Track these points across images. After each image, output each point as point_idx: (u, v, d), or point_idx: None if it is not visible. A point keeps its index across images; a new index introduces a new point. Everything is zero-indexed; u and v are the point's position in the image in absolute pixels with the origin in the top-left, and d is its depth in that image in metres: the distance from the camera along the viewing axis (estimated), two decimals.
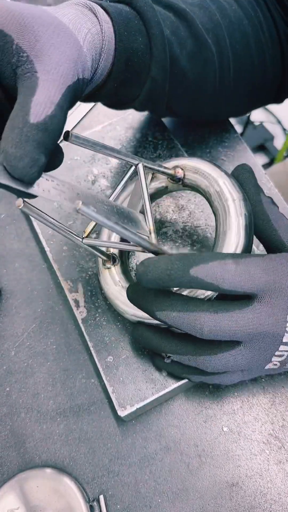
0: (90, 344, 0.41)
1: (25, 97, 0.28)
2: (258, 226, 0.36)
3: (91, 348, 0.41)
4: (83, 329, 0.42)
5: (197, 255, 0.31)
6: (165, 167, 0.40)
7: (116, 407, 0.38)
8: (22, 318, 0.46)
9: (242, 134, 1.56)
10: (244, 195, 0.36)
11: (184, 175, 0.40)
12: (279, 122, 1.65)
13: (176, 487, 0.38)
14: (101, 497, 0.38)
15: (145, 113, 0.53)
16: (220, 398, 0.41)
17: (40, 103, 0.28)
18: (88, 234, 0.38)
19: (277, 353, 0.33)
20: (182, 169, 0.40)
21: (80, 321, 0.42)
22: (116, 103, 0.42)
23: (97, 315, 0.42)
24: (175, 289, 0.35)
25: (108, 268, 0.40)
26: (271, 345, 0.32)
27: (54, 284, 0.47)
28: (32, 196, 0.30)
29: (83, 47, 0.31)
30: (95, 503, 0.37)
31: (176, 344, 0.35)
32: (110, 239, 0.41)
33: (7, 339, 0.45)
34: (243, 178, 0.37)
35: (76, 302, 0.43)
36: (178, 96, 0.43)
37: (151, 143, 0.51)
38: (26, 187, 0.28)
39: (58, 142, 0.30)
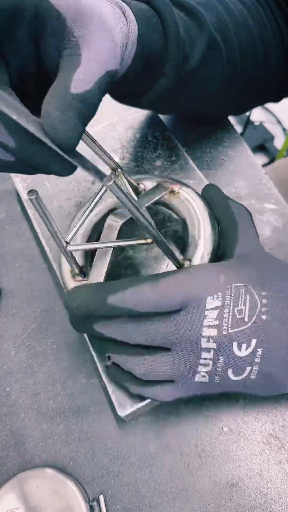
0: (90, 344, 0.41)
1: (68, 71, 0.29)
2: (224, 232, 0.39)
3: (91, 348, 0.41)
4: None
5: (116, 283, 0.33)
6: (133, 180, 0.41)
7: (116, 407, 0.38)
8: (22, 318, 0.46)
9: (242, 134, 1.56)
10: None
11: (145, 189, 0.43)
12: (279, 122, 1.65)
13: (176, 487, 0.38)
14: (101, 497, 0.38)
15: (145, 113, 0.53)
16: (220, 398, 0.41)
17: (82, 78, 0.29)
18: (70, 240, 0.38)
19: (201, 361, 0.34)
20: (143, 184, 0.43)
21: None
22: (125, 96, 0.43)
23: None
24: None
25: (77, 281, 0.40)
26: (192, 351, 0.34)
27: (54, 284, 0.47)
28: (56, 167, 0.30)
29: (117, 43, 0.33)
30: (95, 503, 0.37)
31: (116, 344, 0.36)
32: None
33: (7, 339, 0.45)
34: (210, 191, 0.41)
35: None
36: (186, 93, 0.44)
37: (151, 143, 0.51)
38: (65, 152, 0.28)
39: None
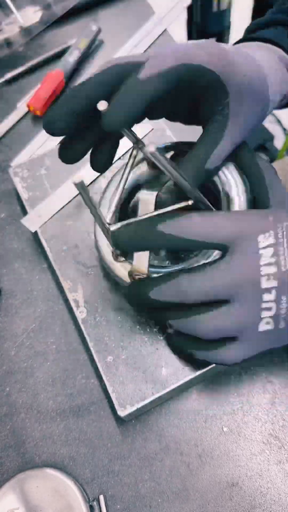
0: (90, 344, 0.41)
1: (210, 143, 0.35)
2: (253, 185, 0.38)
3: (91, 348, 0.41)
4: (83, 329, 0.42)
5: (166, 215, 0.33)
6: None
7: (116, 407, 0.38)
8: (22, 318, 0.46)
9: None
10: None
11: None
12: (279, 122, 1.65)
13: (176, 487, 0.38)
14: (101, 497, 0.38)
15: None
16: (220, 398, 0.41)
17: (216, 156, 0.35)
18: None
19: (263, 305, 0.32)
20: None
21: (80, 321, 0.42)
22: None
23: (97, 315, 0.42)
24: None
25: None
26: (253, 296, 0.32)
27: (54, 284, 0.47)
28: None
29: (269, 103, 0.36)
30: (95, 503, 0.37)
31: (174, 310, 0.35)
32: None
33: (7, 339, 0.45)
34: (239, 157, 0.40)
35: (76, 302, 0.43)
36: None
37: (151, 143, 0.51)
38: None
39: None
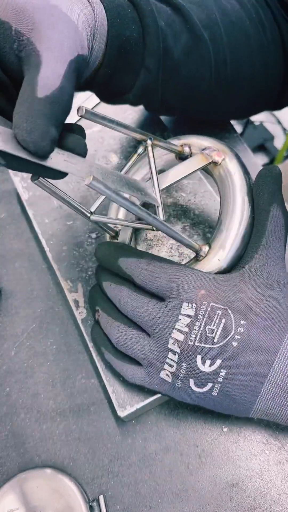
0: (90, 344, 0.41)
1: (31, 74, 0.29)
2: (252, 238, 0.37)
3: (91, 348, 0.41)
4: (83, 329, 0.42)
5: (130, 250, 0.37)
6: (173, 144, 0.40)
7: (116, 407, 0.38)
8: (22, 318, 0.46)
9: (242, 134, 1.56)
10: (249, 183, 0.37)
11: (191, 153, 0.41)
12: (279, 122, 1.65)
13: (176, 487, 0.38)
14: (101, 498, 0.38)
15: (145, 113, 0.53)
16: None
17: (46, 77, 0.28)
18: (95, 211, 0.38)
19: (167, 360, 0.34)
20: (189, 147, 0.40)
21: (80, 321, 0.42)
22: (110, 95, 0.42)
23: None
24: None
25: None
26: (162, 345, 0.34)
27: (54, 284, 0.47)
28: (47, 173, 0.30)
29: (78, 26, 0.32)
30: (95, 503, 0.37)
31: (108, 304, 0.39)
32: (118, 216, 0.42)
33: (7, 339, 0.45)
34: (262, 180, 0.37)
35: (76, 302, 0.43)
36: (172, 90, 0.43)
37: None
38: (40, 160, 0.29)
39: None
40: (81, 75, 0.33)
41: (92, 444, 0.40)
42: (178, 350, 0.34)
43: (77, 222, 0.47)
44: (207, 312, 0.33)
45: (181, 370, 0.34)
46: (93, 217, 0.36)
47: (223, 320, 0.33)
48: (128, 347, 0.36)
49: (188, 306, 0.34)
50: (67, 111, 0.30)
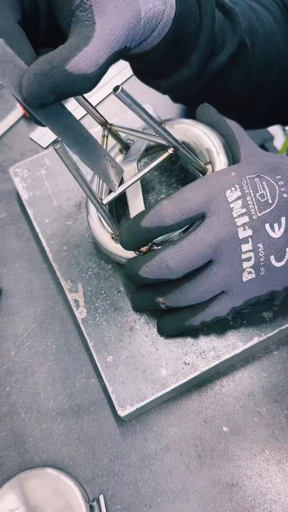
0: (90, 344, 0.41)
1: (76, 42, 0.28)
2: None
3: (91, 348, 0.41)
4: (83, 329, 0.42)
5: (142, 211, 0.36)
6: (198, 162, 0.40)
7: (116, 407, 0.38)
8: (22, 318, 0.46)
9: None
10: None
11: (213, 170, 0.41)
12: None
13: (176, 487, 0.38)
14: (101, 497, 0.38)
15: None
16: (220, 398, 0.41)
17: (83, 59, 0.28)
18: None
19: (243, 256, 0.35)
20: (212, 167, 0.41)
21: (80, 321, 0.42)
22: (145, 74, 0.42)
23: (97, 315, 0.42)
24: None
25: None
26: (233, 249, 0.35)
27: (54, 284, 0.47)
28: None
29: (141, 19, 0.32)
30: (95, 503, 0.37)
31: (164, 287, 0.37)
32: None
33: (7, 339, 0.45)
34: (204, 110, 0.42)
35: (76, 302, 0.43)
36: (205, 90, 0.44)
37: (151, 143, 0.51)
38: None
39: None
40: (116, 61, 0.33)
41: (92, 443, 0.40)
42: (250, 232, 0.35)
43: (77, 222, 0.47)
44: (249, 184, 0.35)
45: (259, 254, 0.35)
46: (106, 200, 0.38)
47: (264, 183, 0.35)
48: (210, 288, 0.36)
49: (231, 191, 0.35)
50: (82, 93, 0.29)
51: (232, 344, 0.40)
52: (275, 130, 1.62)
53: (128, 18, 0.30)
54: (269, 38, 0.47)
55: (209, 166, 0.40)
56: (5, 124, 0.59)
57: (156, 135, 0.37)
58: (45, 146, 0.56)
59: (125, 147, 0.45)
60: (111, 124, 0.42)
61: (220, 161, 0.40)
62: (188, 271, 0.35)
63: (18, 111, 0.60)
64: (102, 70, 0.29)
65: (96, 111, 0.40)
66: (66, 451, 0.40)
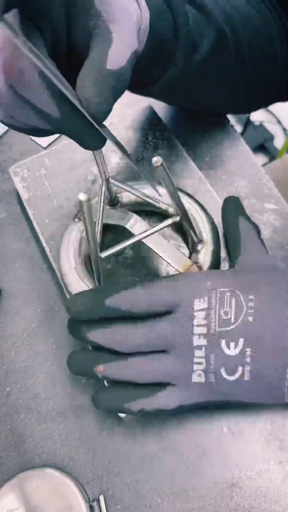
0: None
1: (102, 48, 0.30)
2: (228, 245, 0.43)
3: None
4: None
5: (112, 287, 0.36)
6: (194, 237, 0.43)
7: None
8: (22, 318, 0.46)
9: (242, 134, 1.56)
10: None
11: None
12: (279, 122, 1.65)
13: (176, 487, 0.38)
14: (101, 497, 0.38)
15: (145, 113, 0.53)
16: None
17: (115, 55, 0.30)
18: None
19: (195, 359, 0.35)
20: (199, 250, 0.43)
21: None
22: (137, 84, 0.43)
23: None
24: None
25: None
26: (186, 349, 0.35)
27: (54, 284, 0.47)
28: (89, 138, 0.32)
29: (135, 22, 0.33)
30: (95, 503, 0.37)
31: (109, 354, 0.37)
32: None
33: (7, 339, 0.45)
34: (226, 206, 0.45)
35: None
36: (196, 84, 0.45)
37: (151, 143, 0.51)
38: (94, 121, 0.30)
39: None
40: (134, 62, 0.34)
41: (92, 444, 0.40)
42: (205, 342, 0.35)
43: (77, 222, 0.47)
44: (218, 298, 0.35)
45: (210, 362, 0.35)
46: (104, 254, 0.39)
47: (233, 300, 0.35)
48: (154, 374, 0.36)
49: (199, 301, 0.35)
50: (123, 91, 0.32)
51: None
52: (275, 130, 1.62)
53: (132, 23, 0.33)
54: (247, 21, 0.47)
55: (200, 246, 0.42)
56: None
57: (154, 200, 0.40)
58: (45, 146, 0.56)
59: (113, 203, 0.44)
60: (110, 178, 0.41)
61: (206, 251, 0.42)
62: (144, 351, 0.36)
63: None
64: (130, 64, 0.32)
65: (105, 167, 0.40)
66: (66, 451, 0.40)
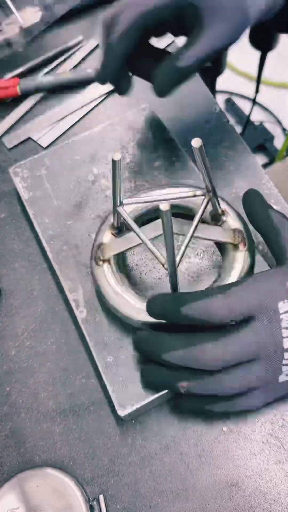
0: (90, 344, 0.41)
1: (182, 49, 0.41)
2: (268, 241, 0.39)
3: (91, 348, 0.41)
4: (83, 329, 0.42)
5: (188, 294, 0.35)
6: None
7: (116, 406, 0.38)
8: (22, 318, 0.46)
9: (242, 134, 1.56)
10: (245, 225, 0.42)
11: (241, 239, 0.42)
12: (279, 122, 1.65)
13: (176, 487, 0.38)
14: (101, 497, 0.38)
15: (145, 113, 0.53)
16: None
17: (189, 55, 0.40)
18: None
19: (284, 361, 0.35)
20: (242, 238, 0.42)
21: (80, 321, 0.42)
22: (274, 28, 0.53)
23: (97, 315, 0.42)
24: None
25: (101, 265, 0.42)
26: (276, 355, 0.34)
27: (54, 284, 0.47)
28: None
29: (250, 19, 0.41)
30: (95, 502, 0.37)
31: (186, 373, 0.36)
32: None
33: (7, 339, 0.45)
34: (250, 199, 0.41)
35: (76, 302, 0.43)
36: None
37: (151, 143, 0.51)
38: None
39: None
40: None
41: (92, 443, 0.40)
42: None
43: (77, 222, 0.47)
44: None
45: None
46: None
47: None
48: (241, 387, 0.35)
49: (284, 303, 0.34)
50: (184, 80, 0.42)
51: None
52: (275, 130, 1.62)
53: (234, 23, 0.40)
54: None
55: (223, 217, 0.42)
56: (5, 124, 0.59)
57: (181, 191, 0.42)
58: (45, 146, 0.56)
59: (120, 229, 0.43)
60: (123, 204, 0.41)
61: (232, 217, 0.42)
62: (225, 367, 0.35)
63: (18, 111, 0.60)
64: (200, 63, 0.41)
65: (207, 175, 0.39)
66: (66, 451, 0.40)
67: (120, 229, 0.43)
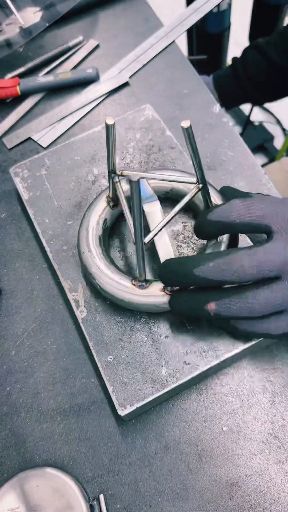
0: (90, 344, 0.41)
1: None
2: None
3: (91, 348, 0.41)
4: (83, 329, 0.42)
5: (200, 256, 0.35)
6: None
7: (116, 406, 0.38)
8: (22, 318, 0.46)
9: (242, 134, 1.56)
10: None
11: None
12: (279, 122, 1.65)
13: (176, 486, 0.38)
14: (101, 496, 0.38)
15: (145, 113, 0.53)
16: (220, 397, 0.41)
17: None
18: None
19: None
20: None
21: (80, 321, 0.42)
22: None
23: (97, 315, 0.42)
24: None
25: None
26: None
27: (54, 284, 0.47)
28: None
29: None
30: (95, 502, 0.37)
31: (218, 292, 0.35)
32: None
33: (7, 339, 0.45)
34: (225, 189, 0.43)
35: (76, 302, 0.43)
36: None
37: (151, 143, 0.51)
38: None
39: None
40: None
41: (92, 443, 0.40)
42: None
43: (77, 222, 0.47)
44: None
45: None
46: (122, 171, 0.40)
47: None
48: (270, 305, 0.34)
49: None
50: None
51: (232, 343, 0.40)
52: (275, 130, 1.62)
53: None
54: None
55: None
56: (6, 124, 0.59)
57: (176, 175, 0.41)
58: (45, 146, 0.56)
59: (114, 202, 0.45)
60: (121, 172, 0.41)
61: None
62: (256, 279, 0.34)
63: (18, 111, 0.60)
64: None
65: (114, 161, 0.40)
66: (66, 451, 0.40)
67: (115, 202, 0.44)
